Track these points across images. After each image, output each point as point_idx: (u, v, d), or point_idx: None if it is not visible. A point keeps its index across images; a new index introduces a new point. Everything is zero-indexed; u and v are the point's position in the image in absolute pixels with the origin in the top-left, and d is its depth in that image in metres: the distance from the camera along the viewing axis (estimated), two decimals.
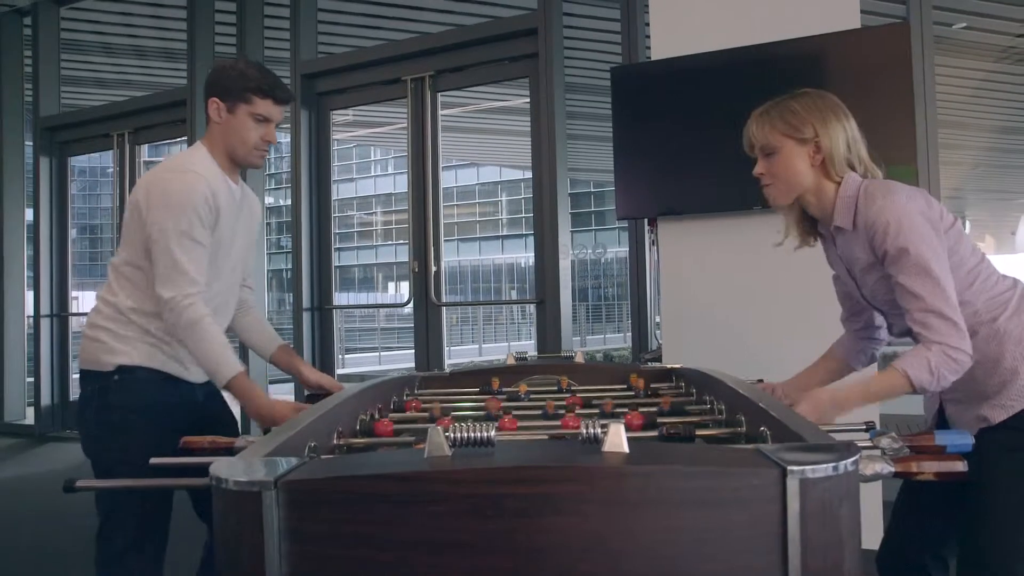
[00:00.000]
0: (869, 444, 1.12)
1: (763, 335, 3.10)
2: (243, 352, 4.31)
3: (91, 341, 1.83)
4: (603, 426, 0.87)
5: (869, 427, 1.35)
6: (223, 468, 0.89)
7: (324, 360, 5.10)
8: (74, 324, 6.29)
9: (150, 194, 1.77)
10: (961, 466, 1.01)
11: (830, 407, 1.42)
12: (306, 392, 2.04)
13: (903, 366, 1.39)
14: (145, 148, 6.02)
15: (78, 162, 6.40)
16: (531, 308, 4.66)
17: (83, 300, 7.03)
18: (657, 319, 3.79)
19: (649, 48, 3.63)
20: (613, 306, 28.44)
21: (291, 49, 5.06)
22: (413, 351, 4.91)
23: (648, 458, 0.87)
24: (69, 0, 6.17)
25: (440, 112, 4.77)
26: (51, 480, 4.13)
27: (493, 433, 0.88)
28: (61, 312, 6.18)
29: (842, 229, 1.56)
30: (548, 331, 4.28)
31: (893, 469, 0.97)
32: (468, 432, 0.88)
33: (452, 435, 0.88)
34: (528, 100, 4.43)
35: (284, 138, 5.57)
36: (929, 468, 0.99)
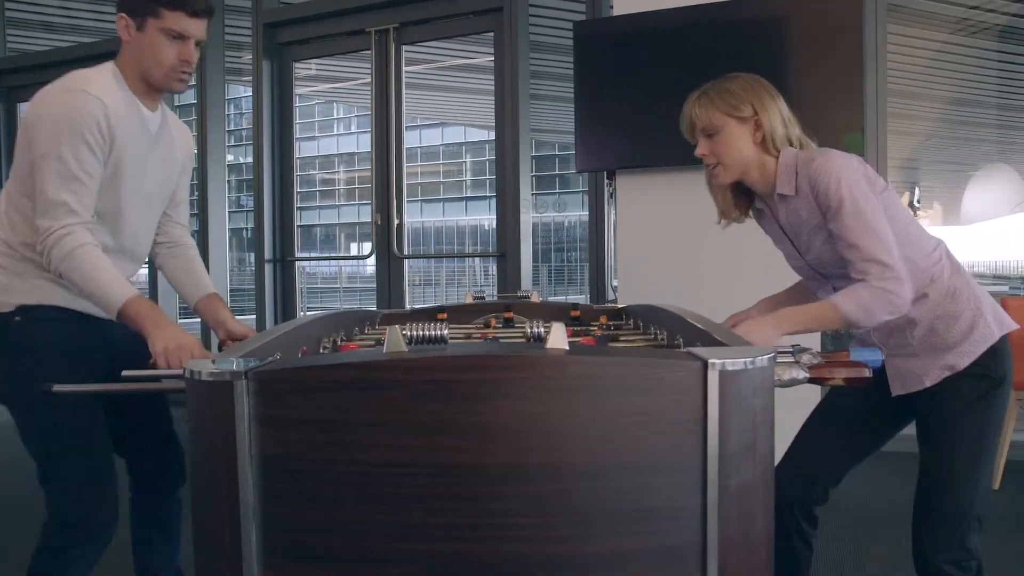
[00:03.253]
0: (792, 360, 1.22)
1: (716, 284, 3.22)
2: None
3: None
4: (546, 327, 0.96)
5: (795, 348, 1.46)
6: (196, 364, 0.96)
7: (286, 313, 5.13)
8: None
9: (36, 115, 1.58)
10: (867, 372, 1.13)
11: (771, 327, 1.50)
12: (219, 339, 1.87)
13: (835, 299, 1.49)
14: None
15: (21, 109, 6.25)
16: (493, 269, 4.73)
17: None
18: (615, 283, 3.89)
19: (612, 5, 3.68)
20: (575, 268, 28.69)
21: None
22: (375, 307, 4.97)
23: (585, 352, 0.97)
24: None
25: (404, 68, 4.77)
26: None
27: (446, 331, 0.97)
28: None
29: (786, 196, 1.62)
30: (509, 283, 4.37)
31: (807, 375, 1.08)
32: (423, 331, 0.96)
33: (409, 333, 0.96)
34: (493, 57, 4.46)
35: (246, 92, 5.51)
36: (839, 374, 1.11)
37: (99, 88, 1.61)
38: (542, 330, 0.97)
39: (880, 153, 3.66)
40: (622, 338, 1.50)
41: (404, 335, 0.95)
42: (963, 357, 1.55)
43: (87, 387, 1.37)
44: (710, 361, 0.90)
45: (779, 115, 1.63)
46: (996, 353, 1.55)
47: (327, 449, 0.90)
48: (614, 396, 0.89)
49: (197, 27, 1.67)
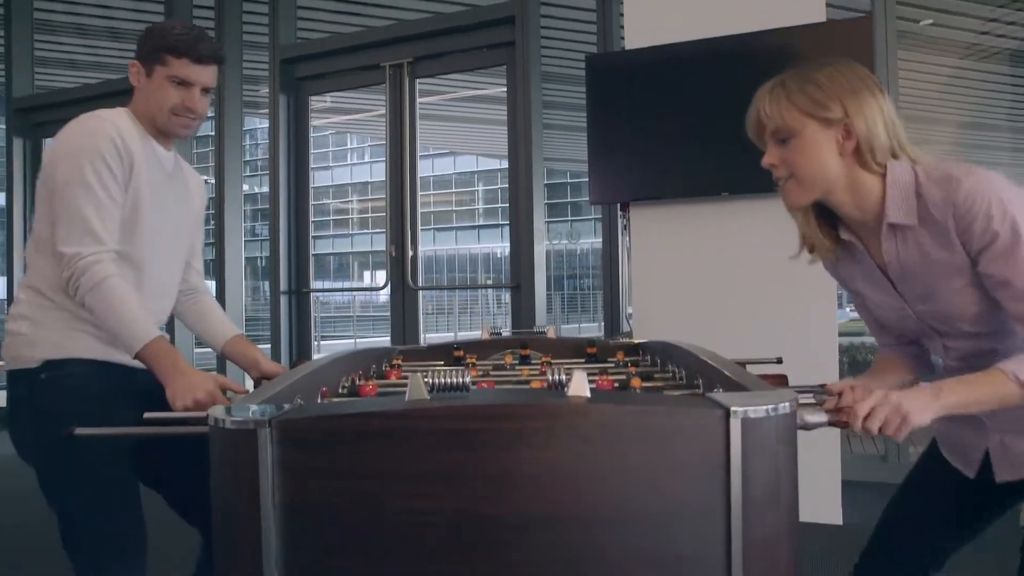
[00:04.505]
0: (813, 402, 1.22)
1: (731, 318, 3.22)
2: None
3: (11, 336, 1.61)
4: (567, 373, 0.96)
5: (822, 387, 1.43)
6: (220, 411, 0.97)
7: (301, 344, 5.15)
8: None
9: (54, 152, 1.59)
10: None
11: (931, 399, 1.13)
12: (252, 378, 1.84)
13: (1014, 369, 1.12)
14: None
15: (47, 143, 6.36)
16: (506, 298, 4.74)
17: None
18: (629, 310, 3.89)
19: (623, 38, 3.72)
20: (588, 296, 28.68)
21: (270, 33, 5.09)
22: (389, 337, 4.97)
23: (608, 400, 0.97)
24: None
25: (418, 99, 4.83)
26: None
27: (468, 379, 0.97)
28: None
29: (900, 227, 1.25)
30: (523, 315, 4.37)
31: (826, 419, 1.07)
32: (446, 378, 0.97)
33: (431, 381, 0.97)
34: (505, 88, 4.51)
35: (262, 124, 5.58)
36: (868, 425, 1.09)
37: (113, 117, 1.64)
38: (563, 377, 0.97)
39: None
40: (641, 381, 1.49)
41: (426, 382, 0.95)
42: None
43: (109, 430, 1.36)
44: (732, 409, 0.90)
45: (881, 118, 1.24)
46: None
47: (349, 497, 0.90)
48: (636, 445, 0.89)
49: (202, 74, 1.68)
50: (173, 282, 1.83)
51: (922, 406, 1.11)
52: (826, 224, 1.35)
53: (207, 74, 1.69)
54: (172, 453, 1.65)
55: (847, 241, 1.34)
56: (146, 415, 1.28)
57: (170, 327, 5.31)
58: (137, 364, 1.57)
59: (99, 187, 1.55)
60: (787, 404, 0.95)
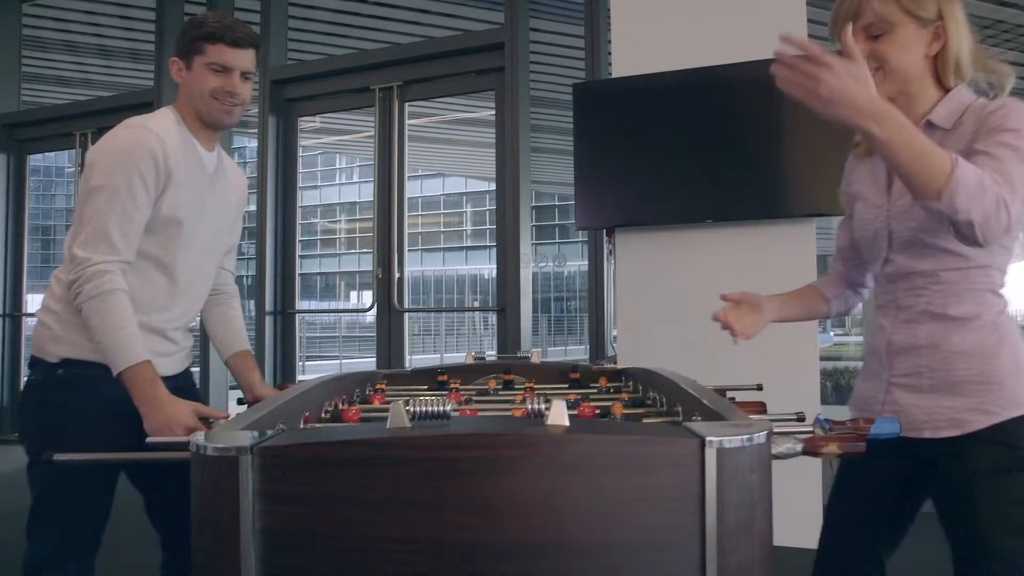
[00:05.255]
0: (787, 431, 1.24)
1: (714, 343, 3.23)
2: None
3: (40, 325, 1.68)
4: (546, 402, 0.98)
5: (799, 416, 1.46)
6: (202, 438, 0.98)
7: (286, 365, 5.14)
8: (28, 325, 6.23)
9: (96, 151, 1.62)
10: (862, 446, 1.14)
11: (865, 101, 1.15)
12: (238, 399, 1.90)
13: (954, 155, 1.15)
14: None
15: (32, 161, 6.35)
16: (492, 319, 4.75)
17: (33, 302, 6.94)
18: (614, 333, 3.91)
19: (611, 64, 3.78)
20: (575, 318, 28.72)
21: (260, 55, 5.12)
22: (375, 358, 4.98)
23: (585, 429, 0.98)
24: None
25: (407, 122, 4.87)
26: None
27: (449, 407, 0.99)
28: (15, 312, 6.11)
29: (933, 126, 1.32)
30: (509, 338, 4.38)
31: (799, 448, 1.09)
32: (427, 406, 0.98)
33: (412, 409, 0.98)
34: (494, 112, 4.56)
35: (251, 143, 5.60)
36: (831, 449, 1.11)
37: (159, 125, 1.66)
38: (542, 406, 0.98)
39: None
40: (623, 408, 1.51)
41: (407, 410, 0.96)
42: (981, 416, 1.29)
43: (87, 457, 1.36)
44: (707, 439, 0.92)
45: (967, 35, 1.31)
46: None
47: (330, 525, 0.91)
48: (613, 474, 0.91)
49: (240, 58, 1.70)
50: (206, 286, 1.85)
51: (864, 92, 1.15)
52: None
53: (244, 58, 1.71)
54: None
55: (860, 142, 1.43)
56: (148, 440, 1.29)
57: None
58: (159, 372, 1.59)
59: (128, 198, 1.57)
60: (762, 434, 0.97)
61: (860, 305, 1.72)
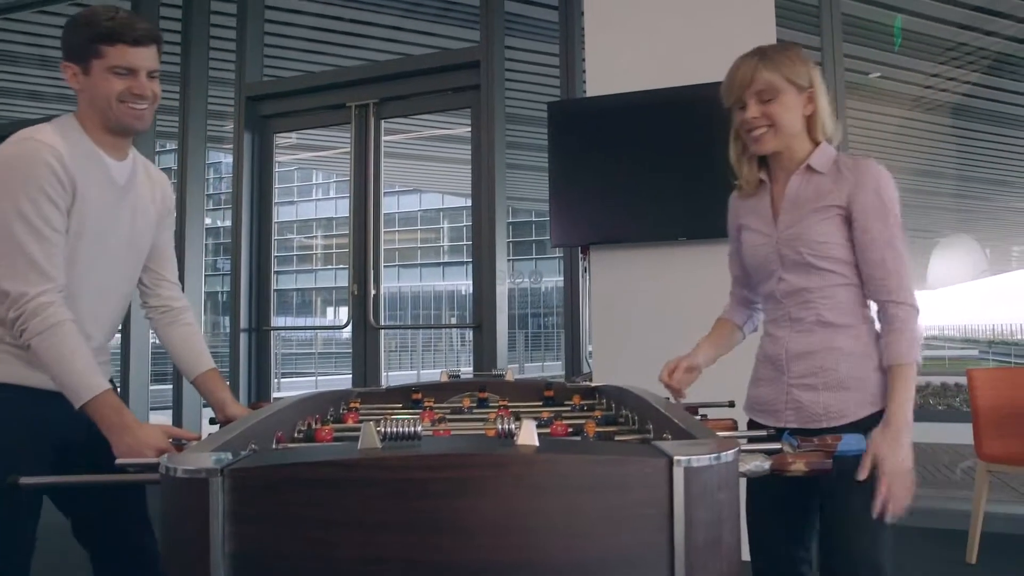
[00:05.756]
0: (753, 448, 1.26)
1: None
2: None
3: None
4: (516, 423, 0.99)
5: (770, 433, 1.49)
6: (172, 460, 0.97)
7: (260, 382, 5.09)
8: None
9: None
10: (828, 463, 1.16)
11: (899, 439, 1.44)
12: (211, 419, 1.81)
13: (898, 356, 1.48)
14: None
15: None
16: (469, 335, 4.75)
17: None
18: (589, 348, 3.93)
19: (586, 83, 3.83)
20: (552, 334, 28.76)
21: (236, 71, 5.11)
22: (351, 375, 4.95)
23: (554, 449, 1.00)
24: (4, 10, 6.08)
25: (383, 139, 4.88)
26: None
27: (420, 428, 0.99)
28: None
29: (813, 171, 1.59)
30: (485, 355, 4.38)
31: (767, 466, 1.11)
32: (397, 427, 0.99)
33: (383, 429, 0.99)
34: (470, 129, 4.58)
35: (226, 158, 5.58)
36: (799, 467, 1.14)
37: (47, 136, 1.51)
38: (512, 427, 0.99)
39: None
40: (595, 426, 1.52)
41: (378, 431, 0.97)
42: (866, 406, 1.52)
43: (56, 479, 1.33)
44: (676, 458, 0.93)
45: (827, 100, 1.61)
46: (877, 422, 1.49)
47: (301, 547, 0.91)
48: (582, 493, 0.92)
49: (144, 56, 1.55)
50: (119, 306, 1.73)
51: (903, 450, 1.44)
52: (755, 166, 1.70)
53: (149, 56, 1.56)
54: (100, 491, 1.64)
55: (762, 180, 1.69)
56: (118, 461, 1.26)
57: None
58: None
59: (38, 219, 1.45)
60: (730, 452, 0.99)
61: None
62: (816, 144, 1.61)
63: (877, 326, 1.58)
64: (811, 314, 1.59)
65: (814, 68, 1.60)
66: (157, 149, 5.54)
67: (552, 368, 21.75)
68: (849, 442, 1.40)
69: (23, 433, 1.53)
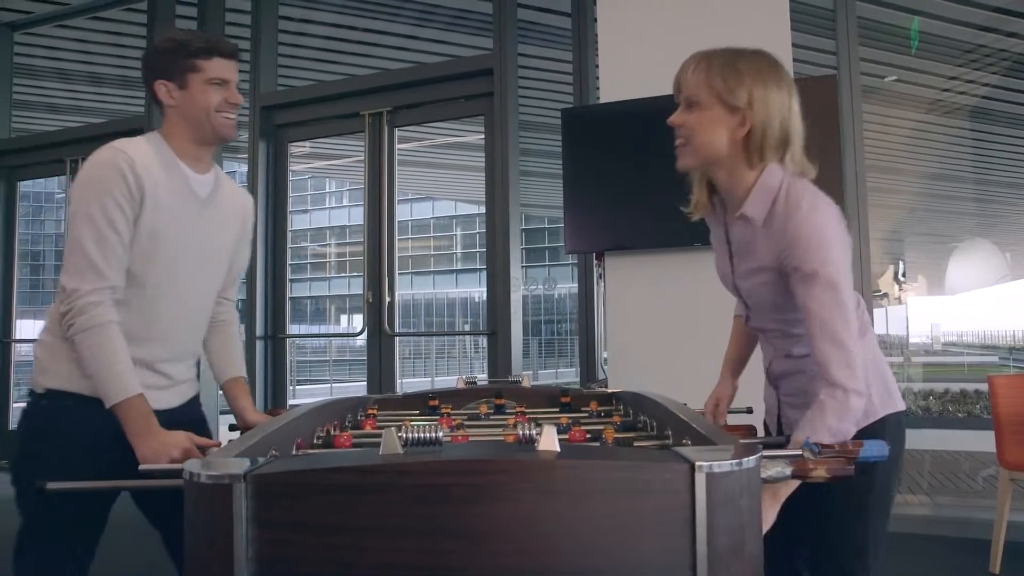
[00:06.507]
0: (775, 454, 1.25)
1: (704, 367, 3.25)
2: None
3: (35, 358, 1.67)
4: (537, 428, 0.99)
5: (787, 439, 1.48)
6: (196, 465, 0.98)
7: (276, 389, 5.11)
8: (17, 351, 6.18)
9: (75, 180, 1.61)
10: (850, 469, 1.15)
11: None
12: (230, 426, 1.89)
13: (812, 437, 1.29)
14: None
15: (21, 187, 6.34)
16: (483, 342, 4.75)
17: (22, 328, 6.89)
18: (605, 355, 3.93)
19: (599, 90, 3.83)
20: (565, 341, 28.71)
21: (251, 81, 5.16)
22: (365, 382, 4.96)
23: (575, 455, 0.99)
24: (24, 25, 6.17)
25: (397, 146, 4.90)
26: None
27: (441, 434, 0.99)
28: (4, 339, 6.07)
29: (749, 219, 1.43)
30: (500, 362, 4.38)
31: (788, 472, 1.10)
32: (419, 432, 0.99)
33: (404, 435, 0.99)
34: (483, 136, 4.59)
35: (241, 167, 5.64)
36: (820, 473, 1.13)
37: (127, 145, 1.62)
38: (533, 432, 0.99)
39: (861, 226, 3.76)
40: (614, 432, 1.52)
41: (399, 436, 0.97)
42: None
43: (78, 484, 1.36)
44: (697, 464, 0.93)
45: (778, 117, 1.38)
46: (870, 433, 1.42)
47: (323, 552, 0.91)
48: (603, 499, 0.91)
49: (234, 68, 1.71)
50: (199, 319, 1.80)
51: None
52: (710, 188, 1.55)
53: (236, 69, 1.72)
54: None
55: (716, 203, 1.55)
56: (141, 467, 1.28)
57: None
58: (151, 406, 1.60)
59: (103, 220, 1.55)
60: (752, 458, 0.98)
61: None
62: (759, 173, 1.41)
63: (867, 333, 1.47)
64: (780, 346, 1.56)
65: (771, 80, 1.39)
66: None
67: (566, 375, 21.72)
68: (871, 448, 1.38)
69: (83, 440, 1.60)
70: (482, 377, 2.61)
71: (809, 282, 1.34)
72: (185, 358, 1.79)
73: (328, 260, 40.80)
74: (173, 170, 1.67)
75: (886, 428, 1.48)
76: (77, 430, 1.61)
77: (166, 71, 1.67)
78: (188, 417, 1.76)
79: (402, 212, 5.40)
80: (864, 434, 1.43)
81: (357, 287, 4.93)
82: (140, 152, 1.61)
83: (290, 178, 5.35)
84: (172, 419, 1.63)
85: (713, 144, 1.40)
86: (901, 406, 1.54)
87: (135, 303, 1.63)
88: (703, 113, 1.40)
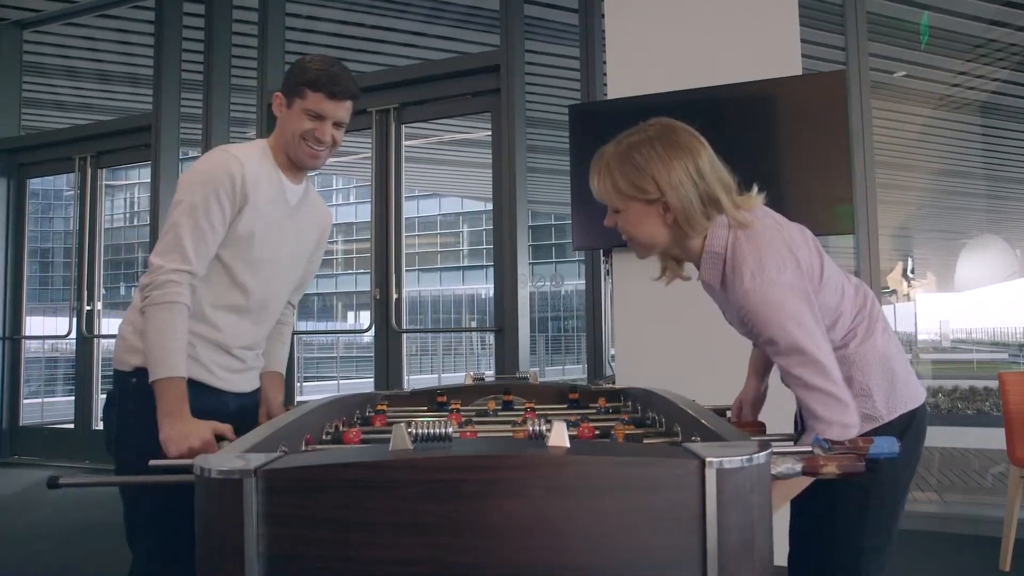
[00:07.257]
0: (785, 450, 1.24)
1: (712, 363, 3.25)
2: None
3: (120, 337, 1.74)
4: (547, 424, 0.99)
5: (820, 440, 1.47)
6: (206, 461, 0.98)
7: (285, 385, 5.12)
8: (27, 347, 6.22)
9: (184, 174, 1.73)
10: (861, 465, 1.15)
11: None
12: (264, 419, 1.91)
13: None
14: (105, 172, 6.03)
15: (31, 184, 6.38)
16: (490, 339, 4.76)
17: (32, 325, 6.93)
18: (612, 351, 3.92)
19: (606, 86, 3.82)
20: (572, 337, 28.69)
21: (258, 77, 5.17)
22: (372, 379, 4.97)
23: (586, 451, 0.99)
24: (33, 23, 6.19)
25: (404, 143, 4.90)
26: None
27: (451, 430, 0.99)
28: (15, 335, 6.11)
29: (710, 286, 1.48)
30: (507, 358, 4.39)
31: (798, 468, 1.10)
32: (429, 428, 0.99)
33: (414, 431, 0.99)
34: (490, 133, 4.59)
35: None
36: (830, 469, 1.12)
37: (242, 151, 1.74)
38: (543, 428, 0.99)
39: (871, 224, 3.75)
40: (623, 428, 1.52)
41: (409, 432, 0.97)
42: (866, 421, 1.46)
43: (86, 479, 1.35)
44: (707, 459, 0.92)
45: (691, 187, 1.39)
46: (879, 433, 1.42)
47: (333, 548, 0.92)
48: (613, 495, 0.91)
49: (336, 109, 1.76)
50: (276, 312, 1.91)
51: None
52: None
53: (341, 109, 1.78)
54: None
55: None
56: (152, 463, 1.29)
57: None
58: (225, 387, 1.75)
59: (203, 214, 1.65)
60: (762, 454, 0.98)
61: None
62: (704, 237, 1.44)
63: (874, 332, 1.48)
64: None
65: (668, 155, 1.41)
66: (181, 156, 5.60)
67: (572, 372, 21.70)
68: (881, 445, 1.37)
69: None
70: (489, 374, 2.61)
71: (772, 347, 1.37)
72: (256, 347, 1.89)
73: (335, 257, 40.86)
74: (273, 177, 1.79)
75: (895, 427, 1.46)
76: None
77: (285, 86, 1.78)
78: (255, 401, 1.89)
79: (409, 209, 5.40)
80: (874, 434, 1.43)
81: (364, 284, 4.96)
82: (250, 159, 1.73)
83: None
84: (242, 403, 1.80)
85: (653, 236, 1.45)
86: (914, 404, 1.50)
87: (225, 290, 1.74)
88: (627, 215, 1.44)
